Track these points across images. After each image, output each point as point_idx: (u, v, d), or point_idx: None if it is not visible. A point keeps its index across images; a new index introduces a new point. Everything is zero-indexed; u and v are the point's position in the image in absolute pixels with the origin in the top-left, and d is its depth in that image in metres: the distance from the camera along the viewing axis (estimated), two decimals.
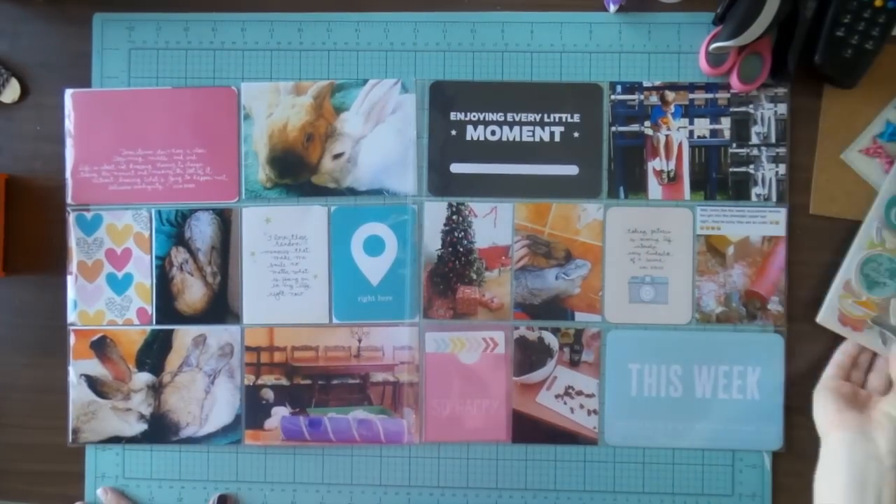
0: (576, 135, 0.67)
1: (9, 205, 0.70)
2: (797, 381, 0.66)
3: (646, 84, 0.67)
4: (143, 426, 0.69)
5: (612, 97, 0.67)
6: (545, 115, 0.67)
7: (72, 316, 0.69)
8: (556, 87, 0.68)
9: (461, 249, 0.67)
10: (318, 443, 0.68)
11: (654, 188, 0.67)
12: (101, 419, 0.69)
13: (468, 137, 0.68)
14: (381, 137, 0.68)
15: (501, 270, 0.67)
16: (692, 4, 0.68)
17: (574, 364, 0.67)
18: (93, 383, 0.69)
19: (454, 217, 0.67)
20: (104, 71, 0.70)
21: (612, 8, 0.67)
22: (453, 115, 0.68)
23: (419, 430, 0.68)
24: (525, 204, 0.67)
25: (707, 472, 0.66)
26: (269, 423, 0.68)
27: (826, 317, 0.66)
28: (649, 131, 0.67)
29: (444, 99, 0.68)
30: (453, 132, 0.68)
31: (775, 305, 0.66)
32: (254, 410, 0.68)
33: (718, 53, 0.65)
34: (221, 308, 0.69)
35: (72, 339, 0.69)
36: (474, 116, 0.68)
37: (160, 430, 0.69)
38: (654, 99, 0.67)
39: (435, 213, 0.67)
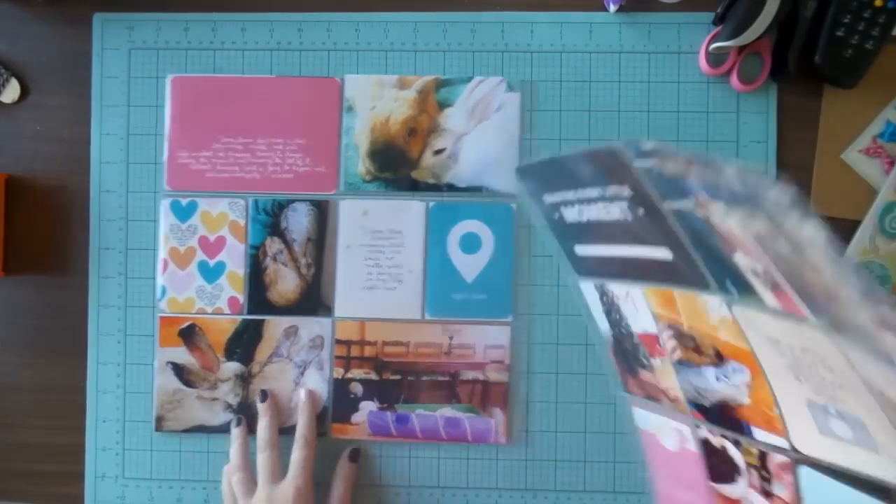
0: (640, 211, 0.46)
1: (9, 205, 0.70)
2: None
3: (647, 147, 0.42)
4: (229, 416, 0.68)
5: (636, 164, 0.43)
6: (603, 190, 0.49)
7: (161, 303, 0.69)
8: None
9: (623, 332, 0.57)
10: (404, 439, 0.68)
11: (766, 293, 0.40)
12: (186, 408, 0.68)
13: (568, 220, 0.53)
14: (483, 135, 0.68)
15: (662, 360, 0.53)
16: (692, 4, 0.68)
17: (767, 495, 0.47)
18: (179, 371, 0.68)
19: (603, 298, 0.58)
20: (104, 71, 0.70)
21: (612, 8, 0.67)
22: (547, 199, 0.55)
23: (506, 431, 0.67)
24: (652, 289, 0.50)
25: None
26: (356, 417, 0.68)
27: None
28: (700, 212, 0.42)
29: (536, 183, 0.57)
30: (556, 216, 0.55)
31: None
32: (341, 404, 0.68)
33: (718, 53, 0.65)
34: (314, 300, 0.68)
35: (158, 326, 0.69)
36: (562, 197, 0.54)
37: (246, 420, 0.68)
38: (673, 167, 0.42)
39: (590, 293, 0.56)
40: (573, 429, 0.68)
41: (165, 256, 0.69)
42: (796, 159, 0.67)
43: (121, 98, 0.70)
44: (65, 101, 0.70)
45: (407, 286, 0.68)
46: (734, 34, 0.62)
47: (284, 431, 0.67)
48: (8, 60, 0.70)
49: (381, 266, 0.68)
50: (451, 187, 0.68)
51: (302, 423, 0.66)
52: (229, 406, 0.68)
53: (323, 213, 0.68)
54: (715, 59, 0.66)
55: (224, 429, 0.68)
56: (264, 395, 0.67)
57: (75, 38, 0.70)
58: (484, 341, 0.68)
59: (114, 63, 0.70)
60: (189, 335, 0.69)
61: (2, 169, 0.70)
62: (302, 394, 0.68)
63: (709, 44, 0.66)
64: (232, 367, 0.68)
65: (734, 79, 0.66)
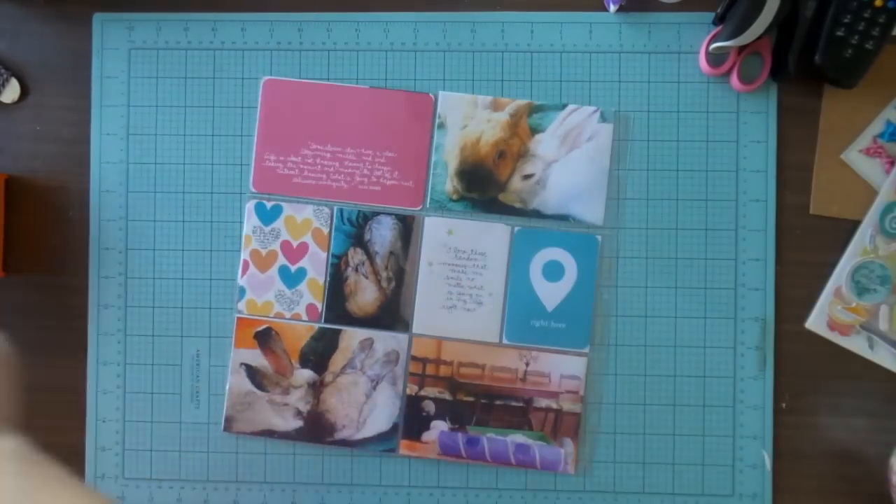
0: None
1: (9, 205, 0.70)
2: (792, 382, 0.67)
3: None
4: (299, 423, 0.68)
5: None
6: None
7: (240, 304, 0.69)
8: None
9: None
10: (473, 461, 0.67)
11: None
12: (256, 411, 0.68)
13: None
14: (573, 163, 0.67)
15: None
16: (692, 4, 0.68)
17: None
18: (252, 374, 0.68)
19: None
20: (104, 71, 0.70)
21: (612, 8, 0.67)
22: None
23: (575, 461, 0.67)
24: None
25: (707, 472, 0.67)
26: (426, 436, 0.67)
27: (815, 322, 0.66)
28: None
29: None
30: None
31: None
32: (413, 421, 0.68)
33: (718, 53, 0.65)
34: (392, 314, 0.68)
35: (235, 327, 0.69)
36: None
37: (315, 429, 0.68)
38: None
39: None
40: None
41: (246, 258, 0.69)
42: (796, 159, 0.68)
43: (121, 98, 0.70)
44: (65, 101, 0.70)
45: (486, 309, 0.68)
46: (734, 34, 0.62)
47: (354, 445, 0.68)
48: (8, 60, 0.70)
49: (462, 286, 0.68)
50: (538, 213, 0.68)
51: None
52: (299, 413, 0.68)
53: (407, 227, 0.68)
54: (715, 59, 0.66)
55: (292, 435, 0.68)
56: None
57: (75, 38, 0.70)
58: (560, 370, 0.67)
59: (114, 63, 0.70)
60: (265, 338, 0.69)
61: (2, 169, 0.70)
62: None
63: (709, 44, 0.66)
64: (305, 375, 0.68)
65: (734, 79, 0.66)
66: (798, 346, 0.67)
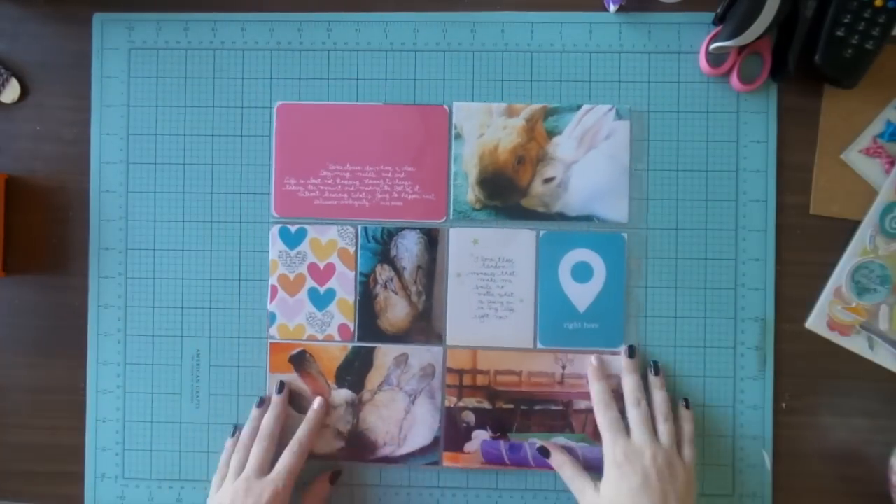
0: None
1: (9, 205, 0.70)
2: (792, 382, 0.67)
3: None
4: (341, 443, 0.68)
5: None
6: None
7: (271, 329, 0.69)
8: None
9: None
10: (517, 467, 0.67)
11: None
12: None
13: None
14: (592, 163, 0.67)
15: None
16: (692, 4, 0.68)
17: None
18: (291, 398, 0.68)
19: None
20: (104, 71, 0.70)
21: (612, 8, 0.67)
22: None
23: None
24: None
25: (707, 472, 0.67)
26: (469, 447, 0.67)
27: (815, 322, 0.66)
28: None
29: None
30: None
31: None
32: (454, 433, 0.68)
33: (718, 53, 0.65)
34: (425, 328, 0.68)
35: (269, 353, 0.69)
36: None
37: (357, 448, 0.68)
38: None
39: None
40: None
41: (275, 283, 0.69)
42: (796, 159, 0.68)
43: (121, 98, 0.70)
44: (65, 101, 0.70)
45: (518, 315, 0.68)
46: (734, 34, 0.62)
47: (396, 461, 0.68)
48: (8, 60, 0.70)
49: (493, 294, 0.68)
50: (562, 216, 0.68)
51: (303, 428, 0.66)
52: (339, 433, 0.68)
53: (433, 240, 0.68)
54: (715, 59, 0.66)
55: (335, 456, 0.68)
56: (282, 386, 0.67)
57: (75, 38, 0.70)
58: None
59: (114, 63, 0.70)
60: (300, 361, 0.69)
61: (2, 169, 0.70)
62: (316, 402, 0.67)
63: (709, 44, 0.66)
64: (343, 395, 0.68)
65: (734, 79, 0.66)
66: (798, 346, 0.67)
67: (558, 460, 0.65)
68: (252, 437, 0.66)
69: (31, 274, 0.70)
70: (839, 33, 0.63)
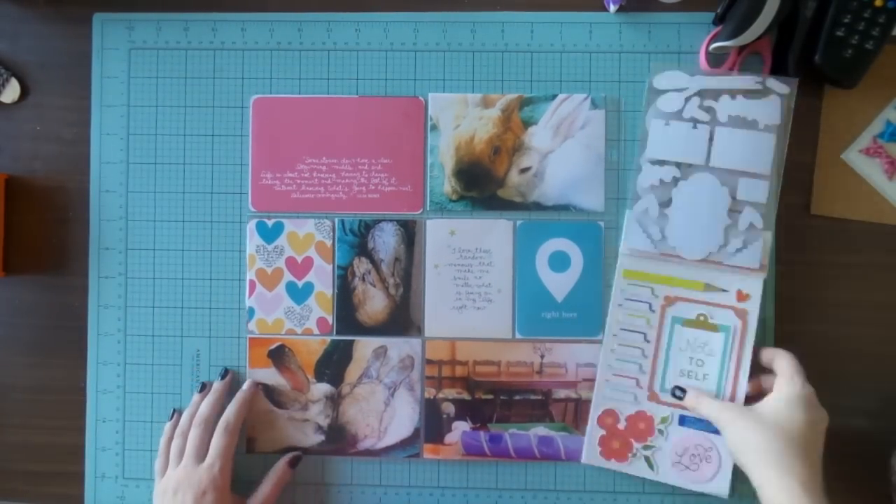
0: None
1: (9, 205, 0.70)
2: None
3: None
4: (321, 437, 0.68)
5: None
6: None
7: (250, 324, 0.69)
8: None
9: None
10: (498, 458, 0.67)
11: None
12: (277, 429, 0.68)
13: None
14: (568, 153, 0.67)
15: None
16: (692, 4, 0.68)
17: None
18: (270, 392, 0.68)
19: None
20: (104, 71, 0.70)
21: (612, 8, 0.67)
22: None
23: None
24: None
25: None
26: (449, 438, 0.68)
27: None
28: None
29: None
30: None
31: None
32: (434, 424, 0.68)
33: (718, 53, 0.65)
34: (403, 320, 0.68)
35: (248, 348, 0.69)
36: None
37: (338, 441, 0.68)
38: None
39: None
40: None
41: (252, 278, 0.69)
42: (796, 159, 0.67)
43: (121, 98, 0.70)
44: (65, 101, 0.70)
45: (496, 305, 0.68)
46: (734, 34, 0.62)
47: (378, 454, 0.68)
48: (8, 60, 0.70)
49: (470, 285, 0.68)
50: (538, 206, 0.68)
51: (230, 409, 0.66)
52: (320, 427, 0.68)
53: (410, 232, 0.68)
54: (715, 59, 0.66)
55: (315, 450, 0.68)
56: (225, 373, 0.68)
57: (75, 38, 0.70)
58: (575, 360, 0.67)
59: (114, 63, 0.70)
60: (279, 356, 0.69)
61: (2, 169, 0.70)
62: (246, 383, 0.68)
63: (709, 44, 0.66)
64: (322, 389, 0.68)
65: None
66: (798, 346, 0.67)
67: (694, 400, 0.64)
68: (191, 422, 0.66)
69: (31, 274, 0.70)
70: (839, 33, 0.63)
